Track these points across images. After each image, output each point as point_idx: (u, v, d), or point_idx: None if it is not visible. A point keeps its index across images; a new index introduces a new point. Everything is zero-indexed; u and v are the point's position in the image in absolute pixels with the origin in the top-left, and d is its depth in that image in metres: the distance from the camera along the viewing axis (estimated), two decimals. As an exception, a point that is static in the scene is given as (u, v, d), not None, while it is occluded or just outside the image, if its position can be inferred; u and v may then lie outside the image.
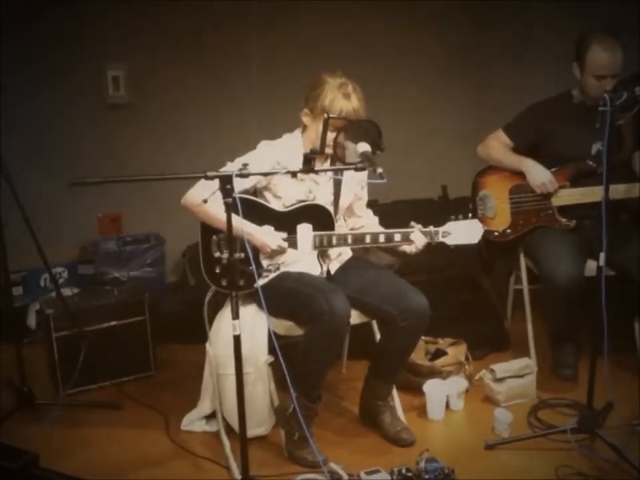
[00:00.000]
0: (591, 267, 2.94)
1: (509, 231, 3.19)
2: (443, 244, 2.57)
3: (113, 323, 3.19)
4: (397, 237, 2.55)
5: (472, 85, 4.74)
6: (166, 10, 3.99)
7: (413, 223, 2.60)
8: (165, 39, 4.05)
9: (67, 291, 3.26)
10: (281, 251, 2.54)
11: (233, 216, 2.05)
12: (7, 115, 3.68)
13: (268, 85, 4.26)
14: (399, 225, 2.62)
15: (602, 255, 2.41)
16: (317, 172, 2.34)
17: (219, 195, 2.03)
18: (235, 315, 2.08)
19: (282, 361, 2.17)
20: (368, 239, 2.56)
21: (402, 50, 4.55)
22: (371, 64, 4.29)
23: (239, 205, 2.04)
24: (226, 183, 2.00)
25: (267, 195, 2.63)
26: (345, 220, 2.82)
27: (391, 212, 4.07)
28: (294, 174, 2.19)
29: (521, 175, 3.16)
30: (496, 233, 3.20)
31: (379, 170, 2.18)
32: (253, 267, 2.11)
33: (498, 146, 3.24)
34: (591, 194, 2.96)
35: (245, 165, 2.06)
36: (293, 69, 4.15)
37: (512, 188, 3.20)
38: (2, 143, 3.01)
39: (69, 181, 1.90)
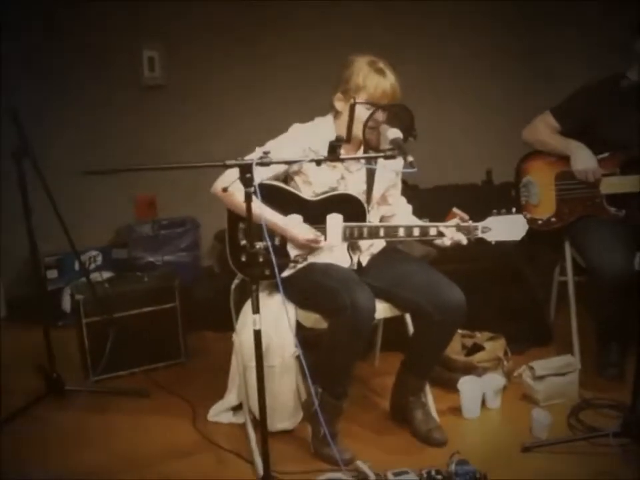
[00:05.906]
0: (641, 259, 2.80)
1: (553, 219, 3.05)
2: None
3: (143, 309, 3.15)
4: (432, 231, 2.42)
5: (520, 67, 4.53)
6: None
7: (455, 209, 2.47)
8: (202, 19, 3.98)
9: (98, 276, 3.24)
10: (315, 243, 2.43)
11: (258, 204, 1.97)
12: (41, 97, 3.66)
13: (308, 67, 4.13)
14: (441, 212, 2.49)
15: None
16: (342, 160, 2.22)
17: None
18: (255, 309, 2.01)
19: (302, 357, 2.08)
20: (401, 232, 2.44)
21: (444, 34, 4.39)
22: (413, 48, 4.18)
23: (259, 194, 1.95)
24: (246, 171, 1.92)
25: (298, 180, 2.53)
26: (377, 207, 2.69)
27: (432, 198, 3.93)
28: (318, 162, 2.08)
29: (568, 160, 2.99)
30: (540, 222, 3.06)
31: (410, 158, 2.07)
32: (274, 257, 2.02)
33: (545, 129, 3.09)
34: (643, 183, 2.81)
35: (267, 153, 1.98)
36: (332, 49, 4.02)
37: (558, 174, 3.05)
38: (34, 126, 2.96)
39: (85, 170, 1.86)
